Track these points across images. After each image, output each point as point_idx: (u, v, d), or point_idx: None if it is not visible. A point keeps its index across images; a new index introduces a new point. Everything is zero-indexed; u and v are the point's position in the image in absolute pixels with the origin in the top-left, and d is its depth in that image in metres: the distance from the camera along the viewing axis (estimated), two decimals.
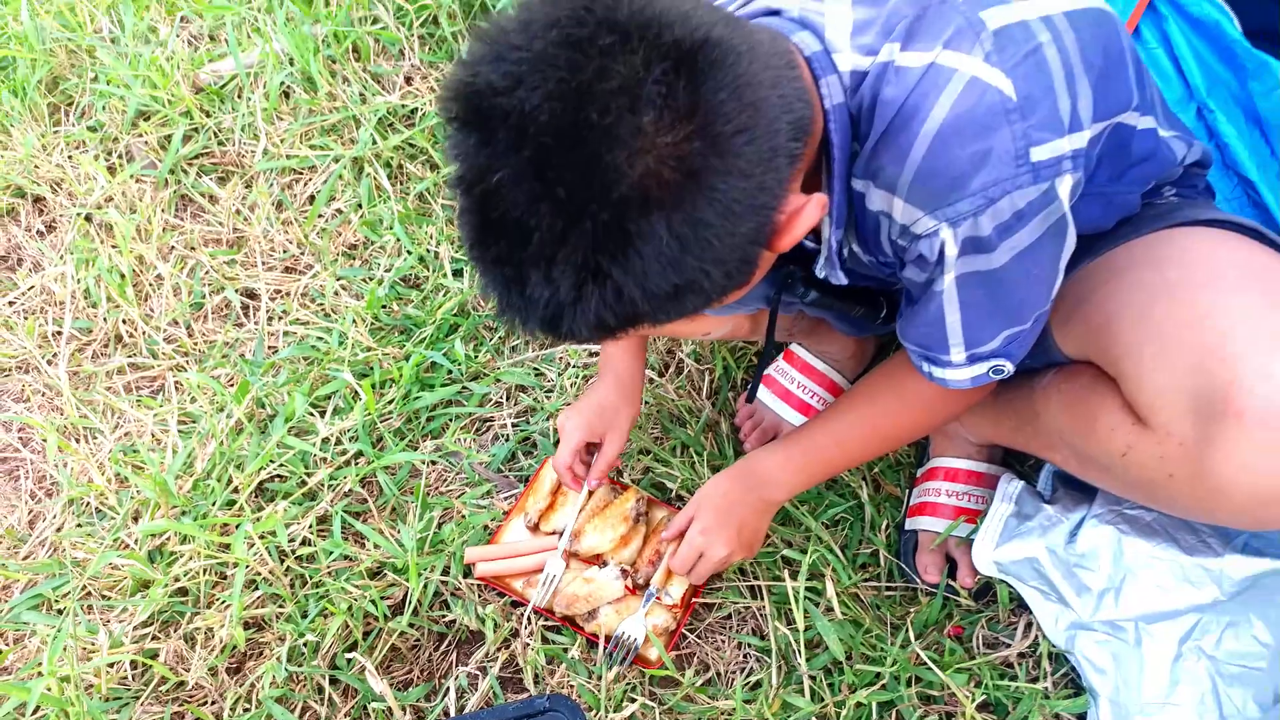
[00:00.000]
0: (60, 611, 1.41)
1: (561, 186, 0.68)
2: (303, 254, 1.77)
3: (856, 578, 1.30)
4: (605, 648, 1.27)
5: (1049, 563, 1.15)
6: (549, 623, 1.33)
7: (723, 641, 1.32)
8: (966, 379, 1.00)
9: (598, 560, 1.34)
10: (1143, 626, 1.14)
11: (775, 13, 0.91)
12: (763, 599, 1.31)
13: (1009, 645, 1.25)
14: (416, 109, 1.85)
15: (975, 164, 0.83)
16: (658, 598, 1.29)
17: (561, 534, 1.35)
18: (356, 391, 1.53)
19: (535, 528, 1.38)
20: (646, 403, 1.50)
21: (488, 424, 1.54)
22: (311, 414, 1.53)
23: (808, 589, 1.29)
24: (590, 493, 1.36)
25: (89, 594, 1.42)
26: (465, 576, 1.37)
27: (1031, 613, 1.23)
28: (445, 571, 1.37)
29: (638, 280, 0.71)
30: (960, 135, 0.82)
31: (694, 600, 1.31)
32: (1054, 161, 0.84)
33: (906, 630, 1.26)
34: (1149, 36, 1.36)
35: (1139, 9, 1.35)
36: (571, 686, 1.28)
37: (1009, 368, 1.00)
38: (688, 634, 1.32)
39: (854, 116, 0.88)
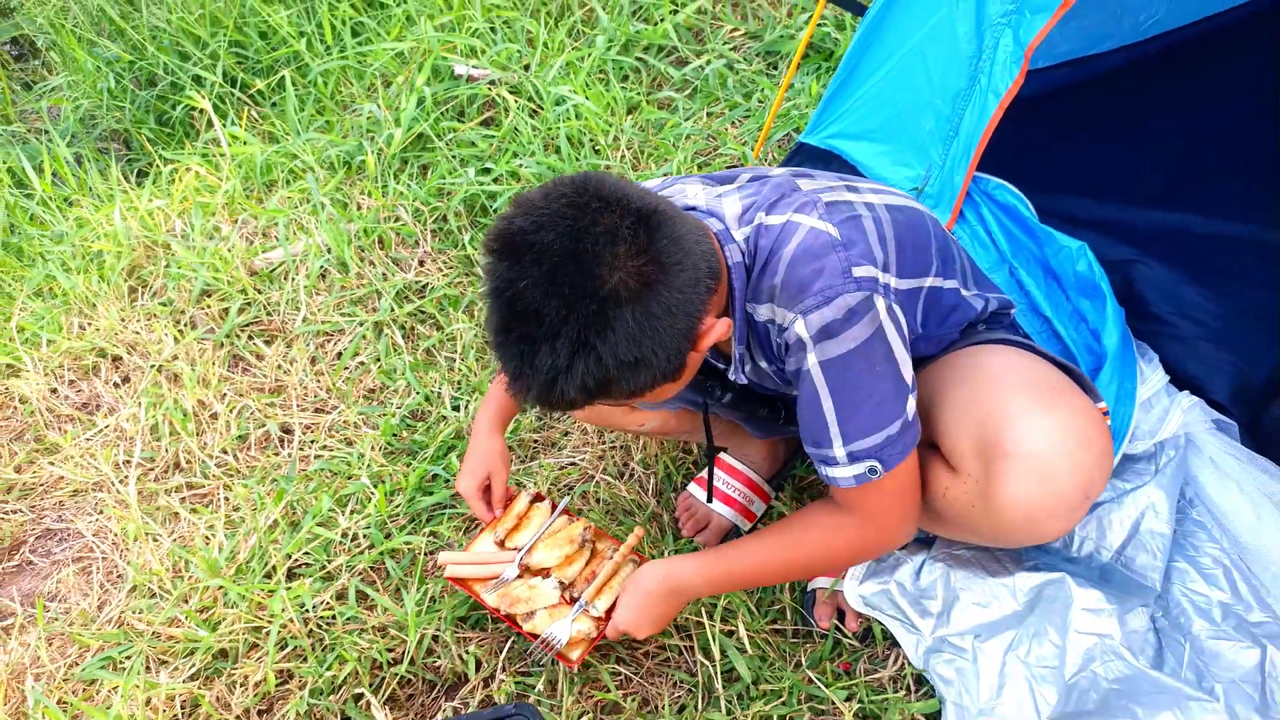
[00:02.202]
0: (124, 670, 1.73)
1: (567, 287, 1.11)
2: (330, 397, 2.19)
3: (764, 622, 1.64)
4: (535, 644, 1.57)
5: (898, 594, 1.50)
6: (521, 667, 1.65)
7: (660, 680, 1.64)
8: (850, 476, 1.33)
9: (544, 573, 1.65)
10: (977, 645, 1.47)
11: (693, 208, 1.38)
12: (692, 641, 1.64)
13: (883, 670, 1.57)
14: (427, 284, 2.33)
15: (815, 275, 1.26)
16: (585, 609, 1.59)
17: (521, 549, 1.67)
18: (371, 495, 1.91)
19: (501, 544, 1.70)
20: (604, 500, 1.88)
21: (475, 521, 1.91)
22: (334, 511, 1.90)
23: (727, 632, 1.62)
24: (516, 516, 1.72)
25: (147, 656, 1.74)
26: (454, 627, 1.70)
27: (899, 644, 1.56)
28: (437, 629, 1.70)
29: (612, 350, 1.12)
30: (805, 259, 1.26)
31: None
32: (870, 280, 1.26)
33: (801, 660, 1.58)
34: (970, 217, 1.85)
35: (960, 198, 1.84)
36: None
37: (881, 469, 1.32)
38: (632, 676, 1.63)
39: (748, 268, 1.32)
